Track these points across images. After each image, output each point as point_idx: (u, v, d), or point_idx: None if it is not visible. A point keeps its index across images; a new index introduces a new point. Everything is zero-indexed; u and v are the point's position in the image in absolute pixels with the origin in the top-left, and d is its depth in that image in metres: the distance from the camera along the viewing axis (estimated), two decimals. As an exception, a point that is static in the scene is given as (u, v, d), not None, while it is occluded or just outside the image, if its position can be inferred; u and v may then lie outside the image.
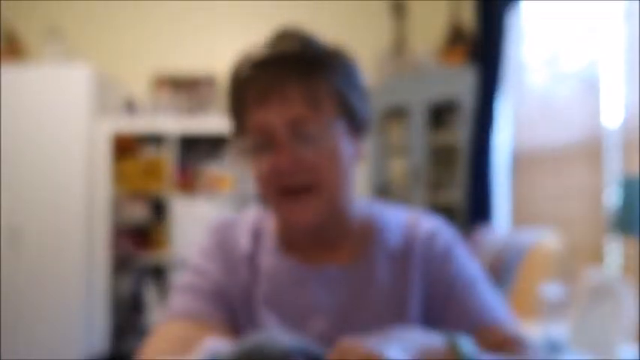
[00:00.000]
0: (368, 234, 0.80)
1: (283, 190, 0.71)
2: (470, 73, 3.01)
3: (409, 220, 0.83)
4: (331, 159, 0.72)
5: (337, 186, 0.73)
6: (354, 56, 0.78)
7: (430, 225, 0.81)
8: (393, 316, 0.73)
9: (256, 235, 0.82)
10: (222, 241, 0.81)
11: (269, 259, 0.79)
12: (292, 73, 0.70)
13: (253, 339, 0.52)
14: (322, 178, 0.71)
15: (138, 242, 3.39)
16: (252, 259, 0.79)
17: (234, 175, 3.39)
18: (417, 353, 0.54)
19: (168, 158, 3.41)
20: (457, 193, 3.16)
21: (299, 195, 0.71)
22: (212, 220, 0.85)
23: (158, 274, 3.48)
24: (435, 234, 0.80)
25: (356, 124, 0.77)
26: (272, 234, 0.82)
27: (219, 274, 0.77)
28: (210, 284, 0.75)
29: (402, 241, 0.80)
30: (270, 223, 0.83)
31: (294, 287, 0.76)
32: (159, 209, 3.53)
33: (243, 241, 0.81)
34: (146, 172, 3.39)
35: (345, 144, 0.74)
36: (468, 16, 3.33)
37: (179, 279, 0.80)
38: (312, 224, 0.73)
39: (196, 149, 3.51)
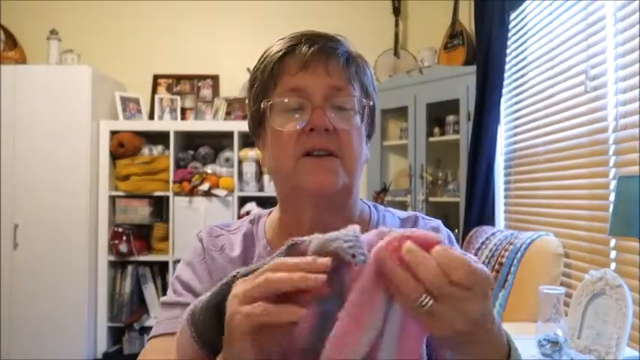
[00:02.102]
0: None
1: (308, 151, 0.72)
2: (470, 73, 3.01)
3: (406, 220, 0.84)
4: (355, 134, 0.74)
5: (355, 163, 0.75)
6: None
7: (431, 224, 0.83)
8: None
9: (249, 240, 0.82)
10: (208, 249, 0.81)
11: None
12: (335, 52, 0.74)
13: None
14: (346, 148, 0.73)
15: (138, 242, 3.38)
16: (245, 263, 0.79)
17: (234, 176, 3.39)
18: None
19: (168, 158, 3.41)
20: (457, 193, 3.16)
21: (322, 158, 0.72)
22: (198, 231, 0.85)
23: (158, 274, 3.48)
24: (436, 231, 0.81)
25: (370, 128, 0.80)
26: (266, 238, 0.82)
27: (207, 286, 0.76)
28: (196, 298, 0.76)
29: None
30: (263, 228, 0.83)
31: None
32: (159, 209, 3.54)
33: (235, 246, 0.81)
34: (146, 172, 3.39)
35: (365, 137, 0.78)
36: (468, 16, 3.33)
37: (167, 294, 0.80)
38: (332, 188, 0.72)
39: (196, 149, 3.51)
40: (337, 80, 0.73)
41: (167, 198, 3.42)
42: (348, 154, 0.73)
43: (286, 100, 0.73)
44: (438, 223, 0.84)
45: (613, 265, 1.92)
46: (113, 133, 3.39)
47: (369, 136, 0.81)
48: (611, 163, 1.96)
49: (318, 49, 0.73)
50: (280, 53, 0.74)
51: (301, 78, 0.73)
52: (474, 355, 0.53)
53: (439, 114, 3.25)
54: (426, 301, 0.47)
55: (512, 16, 2.86)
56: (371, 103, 0.77)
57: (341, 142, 0.72)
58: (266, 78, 0.75)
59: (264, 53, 0.77)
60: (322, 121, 0.71)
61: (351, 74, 0.75)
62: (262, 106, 0.75)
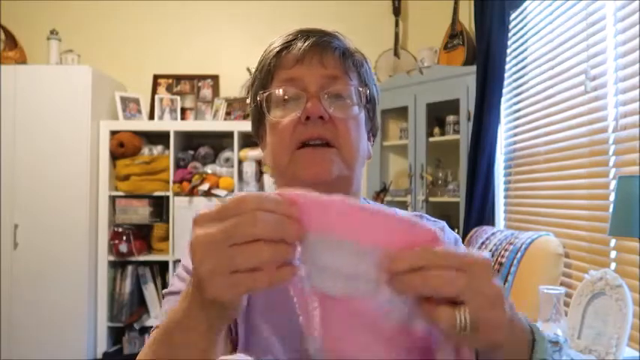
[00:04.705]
0: None
1: (305, 141, 0.72)
2: (470, 73, 3.01)
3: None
4: (352, 124, 0.74)
5: (353, 153, 0.74)
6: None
7: (437, 225, 0.82)
8: None
9: None
10: None
11: None
12: (330, 45, 0.75)
13: None
14: (343, 137, 0.72)
15: (138, 242, 3.38)
16: None
17: (234, 176, 3.39)
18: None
19: (168, 158, 3.41)
20: (457, 193, 3.16)
21: (318, 148, 0.72)
22: None
23: (158, 274, 3.48)
24: (443, 232, 0.81)
25: (371, 123, 0.80)
26: None
27: None
28: None
29: None
30: None
31: (288, 293, 0.75)
32: (159, 209, 3.54)
33: None
34: (146, 172, 3.39)
35: (364, 129, 0.77)
36: (468, 16, 3.33)
37: (170, 283, 0.80)
38: (329, 177, 0.71)
39: (196, 149, 3.51)
40: (333, 70, 0.73)
41: (167, 198, 3.42)
42: (345, 143, 0.72)
43: (281, 91, 0.73)
44: (443, 224, 0.83)
45: (613, 265, 1.92)
46: (113, 133, 3.39)
47: (372, 133, 0.81)
48: (611, 163, 1.96)
49: (313, 43, 0.74)
50: (277, 49, 0.75)
51: (297, 70, 0.73)
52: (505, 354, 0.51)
53: (439, 114, 3.25)
54: (463, 316, 0.43)
55: (512, 16, 2.86)
56: (368, 92, 0.77)
57: (337, 131, 0.72)
58: (264, 74, 0.76)
59: (264, 52, 0.78)
60: (317, 109, 0.70)
61: (347, 66, 0.75)
62: (259, 98, 0.76)
